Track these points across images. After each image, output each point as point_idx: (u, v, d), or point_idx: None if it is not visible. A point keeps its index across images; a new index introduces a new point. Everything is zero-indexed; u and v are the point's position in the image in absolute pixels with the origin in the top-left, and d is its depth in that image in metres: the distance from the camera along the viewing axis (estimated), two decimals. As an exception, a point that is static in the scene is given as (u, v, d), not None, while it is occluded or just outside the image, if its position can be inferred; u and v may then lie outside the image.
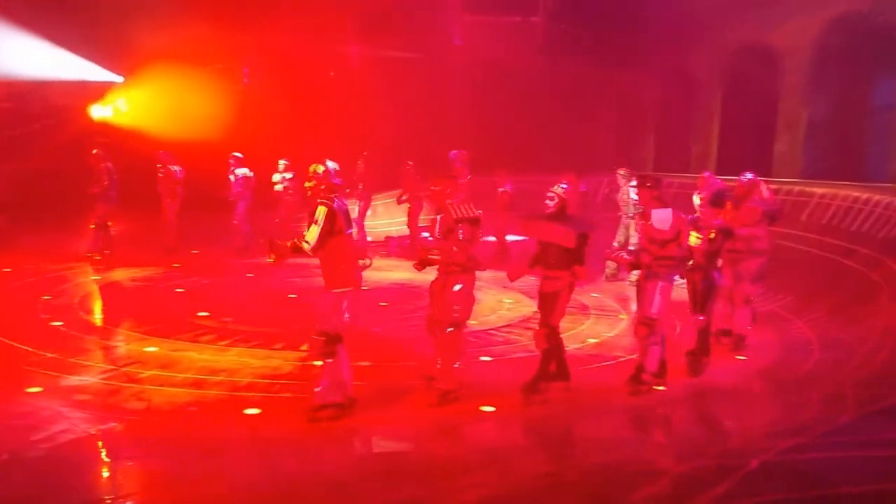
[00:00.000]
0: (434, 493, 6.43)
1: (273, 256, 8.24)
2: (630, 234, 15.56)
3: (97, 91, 22.04)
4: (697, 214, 10.42)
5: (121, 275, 15.92)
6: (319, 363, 8.18)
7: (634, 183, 15.40)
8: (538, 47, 25.31)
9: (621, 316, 13.42)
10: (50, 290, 13.97)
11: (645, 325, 9.34)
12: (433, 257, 8.86)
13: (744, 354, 11.13)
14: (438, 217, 8.87)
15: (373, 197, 20.32)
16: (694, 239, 9.82)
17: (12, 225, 18.35)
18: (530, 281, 9.39)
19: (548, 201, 9.02)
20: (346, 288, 8.13)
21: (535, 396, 8.91)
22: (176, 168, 17.97)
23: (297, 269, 15.14)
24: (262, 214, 19.54)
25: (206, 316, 12.48)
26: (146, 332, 11.46)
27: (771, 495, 5.40)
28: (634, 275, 11.16)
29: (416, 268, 9.07)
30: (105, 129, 21.24)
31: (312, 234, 7.93)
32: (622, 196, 16.48)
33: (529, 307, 13.39)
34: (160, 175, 17.93)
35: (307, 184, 8.29)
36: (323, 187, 8.16)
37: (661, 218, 9.44)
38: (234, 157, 18.62)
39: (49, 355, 10.09)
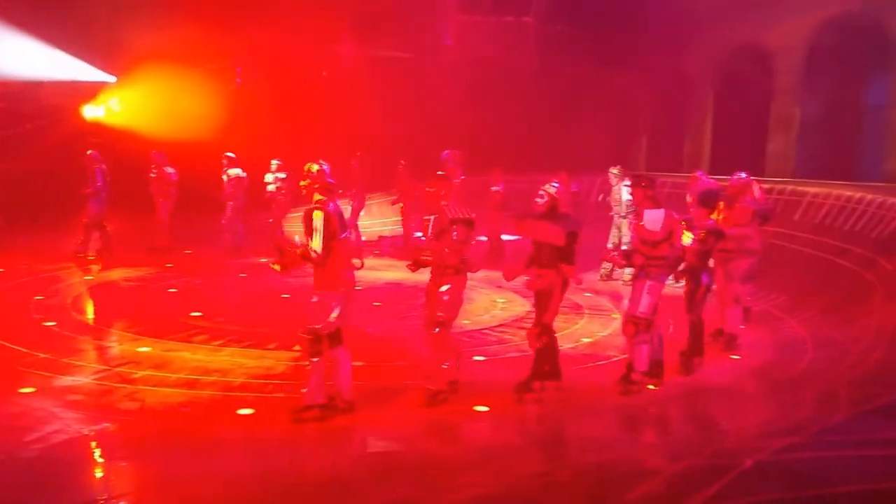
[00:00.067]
0: (428, 493, 6.43)
1: (279, 265, 8.23)
2: (623, 234, 15.59)
3: (90, 91, 22.04)
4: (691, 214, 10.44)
5: (114, 275, 15.89)
6: (309, 365, 8.17)
7: (627, 182, 15.43)
8: (531, 47, 25.33)
9: (615, 315, 13.41)
10: (43, 291, 13.94)
11: (632, 323, 9.37)
12: (426, 258, 8.87)
13: (737, 354, 11.14)
14: (432, 218, 8.87)
15: (366, 197, 20.31)
16: (687, 239, 9.84)
17: (6, 225, 18.32)
18: (525, 280, 9.36)
19: (538, 200, 9.02)
20: (335, 291, 8.11)
21: (528, 396, 8.91)
22: (169, 170, 17.94)
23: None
24: (255, 214, 19.54)
25: (200, 316, 12.46)
26: (139, 332, 11.43)
27: (765, 495, 5.40)
28: (628, 274, 11.17)
29: (409, 268, 9.08)
30: (98, 129, 21.24)
31: (317, 242, 7.90)
32: (614, 196, 16.49)
33: (523, 307, 13.41)
34: (153, 176, 17.90)
35: (302, 182, 8.28)
36: (317, 186, 8.14)
37: (653, 218, 9.46)
38: (227, 157, 18.60)
39: (42, 356, 10.06)
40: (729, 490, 5.32)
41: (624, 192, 15.88)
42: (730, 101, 25.05)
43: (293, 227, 8.45)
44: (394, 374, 9.88)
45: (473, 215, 8.85)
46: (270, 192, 19.32)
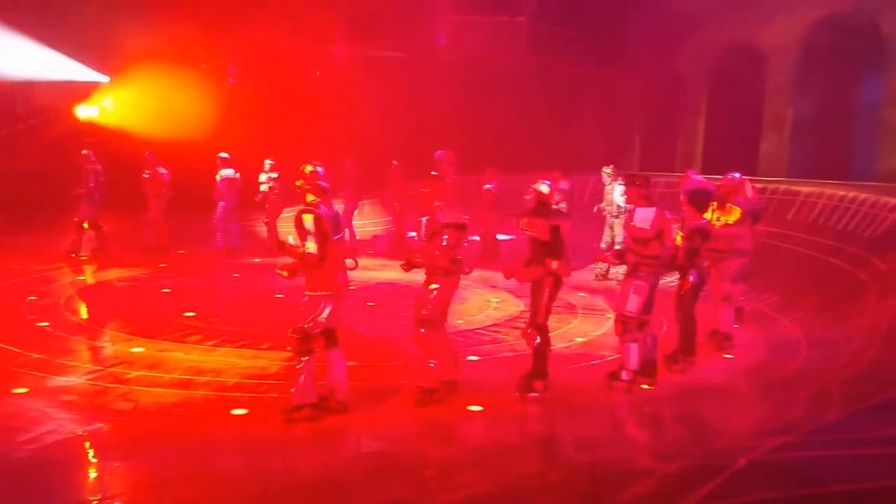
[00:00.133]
0: (422, 493, 6.43)
1: (287, 271, 8.23)
2: (616, 234, 15.60)
3: (83, 91, 21.96)
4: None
5: (108, 275, 15.87)
6: (299, 364, 8.17)
7: (621, 182, 15.46)
8: (524, 47, 25.36)
9: (608, 315, 13.40)
10: (36, 291, 13.92)
11: (620, 322, 9.40)
12: (417, 259, 8.90)
13: (730, 353, 11.15)
14: (425, 219, 8.89)
15: (360, 197, 20.29)
16: (680, 238, 9.87)
17: (6, 225, 18.29)
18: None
19: (526, 197, 9.07)
20: (325, 292, 8.10)
21: (528, 395, 8.92)
22: (162, 170, 17.91)
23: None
24: (249, 214, 19.53)
25: (193, 316, 12.45)
26: (132, 332, 11.42)
27: (758, 494, 5.41)
28: (620, 273, 11.19)
29: (402, 268, 9.10)
30: (91, 129, 21.19)
31: (311, 244, 7.91)
32: (607, 195, 16.51)
33: (517, 306, 13.42)
34: (146, 176, 17.86)
35: (297, 182, 8.28)
36: (308, 188, 8.14)
37: (643, 217, 9.49)
38: (220, 157, 18.56)
39: (35, 356, 10.05)
40: (722, 489, 5.33)
41: (617, 192, 15.91)
42: (723, 100, 25.10)
43: (286, 227, 8.45)
44: (388, 374, 9.88)
45: (466, 219, 8.88)
46: (263, 192, 19.28)
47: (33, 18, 19.66)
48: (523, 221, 9.05)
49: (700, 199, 10.43)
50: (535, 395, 8.91)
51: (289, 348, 8.74)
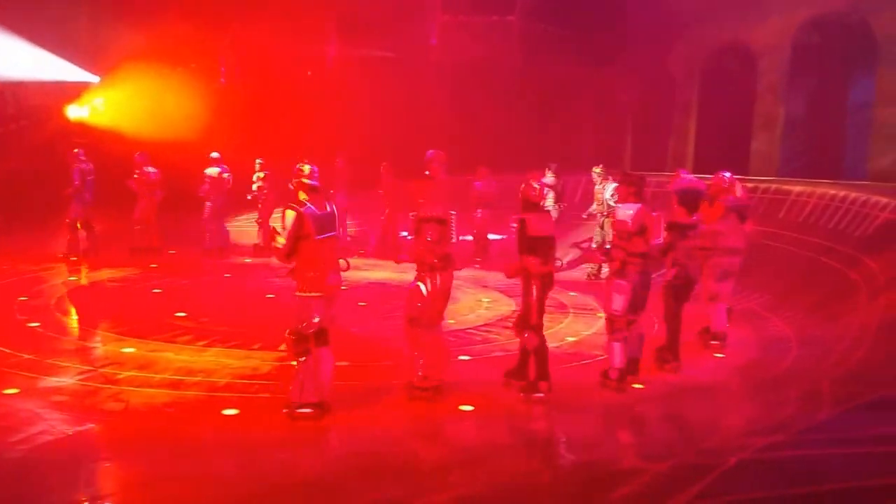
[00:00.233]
0: (412, 493, 6.43)
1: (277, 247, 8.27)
2: (606, 234, 15.60)
3: (74, 91, 21.93)
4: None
5: (98, 275, 15.83)
6: (295, 363, 8.18)
7: (612, 181, 15.49)
8: (515, 46, 25.34)
9: (600, 315, 13.41)
10: (27, 291, 13.89)
11: (607, 321, 9.46)
12: (403, 257, 8.99)
13: (721, 352, 11.17)
14: (412, 216, 8.97)
15: (351, 196, 20.27)
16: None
17: (4, 225, 18.28)
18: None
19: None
20: (314, 293, 8.09)
21: (533, 396, 8.94)
22: (151, 169, 17.80)
23: (274, 269, 15.14)
24: (240, 214, 19.52)
25: (184, 316, 12.44)
26: (123, 332, 11.41)
27: (749, 493, 5.42)
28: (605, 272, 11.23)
29: (396, 262, 9.25)
30: (82, 129, 21.16)
31: (281, 239, 7.97)
32: (597, 195, 16.52)
33: (508, 306, 13.43)
34: (136, 177, 17.79)
35: (291, 183, 8.30)
36: (300, 187, 8.16)
37: (626, 211, 9.50)
38: (211, 157, 18.51)
39: (26, 356, 10.03)
40: (713, 488, 5.34)
41: (608, 192, 15.93)
42: (714, 99, 25.09)
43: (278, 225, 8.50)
44: (379, 374, 9.88)
45: (447, 213, 8.91)
46: (254, 191, 19.25)
47: (23, 18, 19.61)
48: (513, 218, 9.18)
49: (690, 199, 10.44)
50: (541, 395, 8.93)
51: (281, 347, 8.75)
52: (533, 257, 8.83)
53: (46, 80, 21.30)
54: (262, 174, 19.12)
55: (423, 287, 8.79)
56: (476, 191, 18.41)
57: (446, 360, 9.15)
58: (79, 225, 16.87)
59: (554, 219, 10.66)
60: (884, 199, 14.65)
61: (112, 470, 7.29)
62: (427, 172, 10.14)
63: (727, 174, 11.77)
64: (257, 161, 19.26)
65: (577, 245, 17.53)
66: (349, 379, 9.17)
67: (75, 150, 16.91)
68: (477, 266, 16.61)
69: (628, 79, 26.18)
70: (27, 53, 20.29)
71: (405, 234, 9.31)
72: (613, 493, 5.72)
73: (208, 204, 18.49)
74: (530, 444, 8.31)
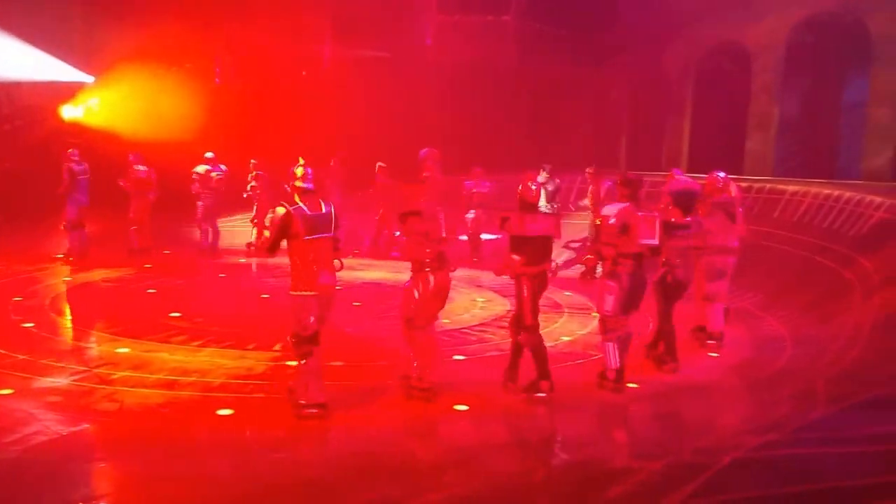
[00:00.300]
0: (408, 492, 6.43)
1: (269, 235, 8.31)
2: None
3: (68, 91, 21.90)
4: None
5: (93, 276, 15.81)
6: (293, 363, 8.17)
7: (605, 181, 15.52)
8: (510, 46, 25.35)
9: (594, 314, 13.41)
10: (21, 292, 13.86)
11: (600, 322, 9.47)
12: (395, 255, 9.04)
13: (716, 351, 11.17)
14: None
15: (345, 196, 20.25)
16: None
17: (5, 224, 18.25)
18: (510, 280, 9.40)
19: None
20: (307, 292, 8.09)
21: (535, 396, 8.95)
22: (142, 167, 17.70)
23: (269, 269, 15.14)
24: (235, 214, 19.51)
25: (179, 316, 12.41)
26: (118, 333, 11.38)
27: (743, 492, 5.43)
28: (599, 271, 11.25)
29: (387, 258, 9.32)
30: (76, 129, 21.13)
31: (267, 232, 8.03)
32: (590, 195, 16.52)
33: (503, 306, 13.42)
34: (130, 177, 17.74)
35: (287, 185, 8.31)
36: (289, 185, 8.18)
37: (612, 209, 9.50)
38: (206, 157, 18.47)
39: (20, 357, 10.01)
40: (708, 487, 5.35)
41: (601, 192, 15.95)
42: (709, 99, 25.15)
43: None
44: (374, 373, 9.87)
45: (434, 208, 8.92)
46: (248, 191, 19.23)
47: (17, 18, 19.58)
48: None
49: (685, 200, 10.44)
50: (542, 395, 8.94)
51: (276, 347, 8.76)
52: (516, 256, 8.84)
53: (41, 80, 21.25)
54: (256, 174, 19.08)
55: (415, 291, 8.79)
56: (467, 190, 18.39)
57: (437, 361, 9.13)
58: (62, 226, 16.79)
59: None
60: (878, 199, 14.69)
61: (107, 470, 7.28)
62: (425, 174, 10.16)
63: (721, 174, 11.75)
64: (252, 162, 19.23)
65: (568, 245, 17.54)
66: (344, 379, 9.17)
67: (69, 151, 16.87)
68: (475, 260, 16.73)
69: (623, 78, 26.22)
70: (22, 53, 20.24)
71: (398, 233, 9.27)
72: (608, 492, 5.72)
73: (200, 203, 18.41)
74: (525, 443, 8.32)
